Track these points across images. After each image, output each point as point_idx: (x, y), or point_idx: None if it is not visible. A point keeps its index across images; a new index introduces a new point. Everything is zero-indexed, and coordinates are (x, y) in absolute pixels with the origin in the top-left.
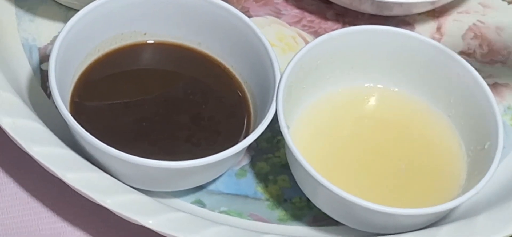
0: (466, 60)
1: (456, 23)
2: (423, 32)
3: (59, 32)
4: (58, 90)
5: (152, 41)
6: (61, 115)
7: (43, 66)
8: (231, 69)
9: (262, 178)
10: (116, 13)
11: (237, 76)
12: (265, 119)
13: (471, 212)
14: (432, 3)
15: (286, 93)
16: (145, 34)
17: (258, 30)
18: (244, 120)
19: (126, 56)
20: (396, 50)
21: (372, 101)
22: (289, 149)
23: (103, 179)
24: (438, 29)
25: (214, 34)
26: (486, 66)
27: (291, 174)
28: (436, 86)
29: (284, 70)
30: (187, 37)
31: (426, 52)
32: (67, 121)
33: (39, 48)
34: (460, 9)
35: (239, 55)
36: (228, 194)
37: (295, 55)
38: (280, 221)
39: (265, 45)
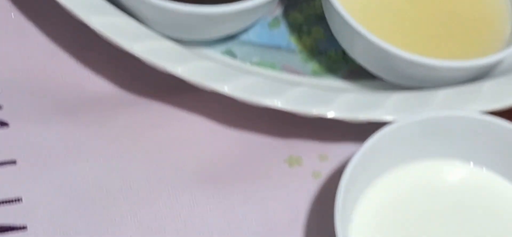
0: None
1: None
2: None
3: None
4: None
5: None
6: None
7: None
8: None
9: (296, 28)
10: None
11: None
12: None
13: None
14: None
15: None
16: None
17: None
18: None
19: None
20: None
21: None
22: None
23: (130, 24)
24: None
25: None
26: None
27: (326, 25)
28: None
29: None
30: None
31: None
32: None
33: None
34: None
35: None
36: (260, 44)
37: None
38: (314, 73)
39: None
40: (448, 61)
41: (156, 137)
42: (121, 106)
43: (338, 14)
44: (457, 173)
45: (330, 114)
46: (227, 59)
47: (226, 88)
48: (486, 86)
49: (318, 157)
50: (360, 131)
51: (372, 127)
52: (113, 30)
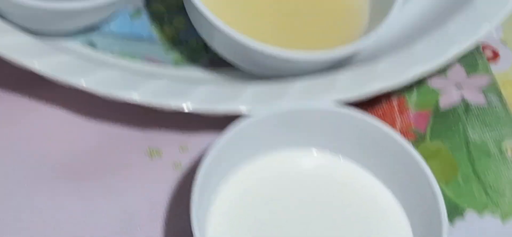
0: None
1: None
2: None
3: None
4: None
5: None
6: None
7: None
8: None
9: (158, 18)
10: None
11: None
12: None
13: (373, 56)
14: None
15: None
16: None
17: None
18: None
19: None
20: None
21: None
22: None
23: None
24: None
25: None
26: None
27: (187, 16)
28: None
29: None
30: None
31: None
32: None
33: None
34: None
35: None
36: (121, 35)
37: None
38: (176, 63)
39: None
40: (302, 53)
41: (13, 132)
42: None
43: (196, 8)
44: (314, 162)
45: (187, 108)
46: (88, 51)
47: (83, 82)
48: (340, 77)
49: (178, 148)
50: (220, 121)
51: (233, 116)
52: None
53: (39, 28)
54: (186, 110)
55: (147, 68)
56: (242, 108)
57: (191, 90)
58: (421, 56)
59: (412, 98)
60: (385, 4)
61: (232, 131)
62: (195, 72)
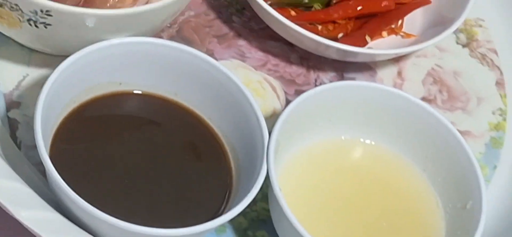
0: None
1: (415, 68)
2: (385, 77)
3: (42, 87)
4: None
5: (128, 91)
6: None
7: (10, 114)
8: (210, 122)
9: (241, 234)
10: (92, 64)
11: (216, 129)
12: (256, 183)
13: None
14: (396, 53)
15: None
16: (120, 84)
17: (241, 84)
18: (226, 175)
19: (100, 107)
20: (373, 103)
21: (350, 155)
22: (281, 208)
23: None
24: (399, 73)
25: (192, 85)
26: (447, 113)
27: (269, 229)
28: (411, 140)
29: (274, 129)
30: (163, 87)
31: (402, 106)
32: (53, 180)
33: (5, 94)
34: (418, 53)
35: (218, 108)
36: None
37: (282, 113)
38: None
39: (250, 101)
40: None
41: None
42: None
43: (291, 225)
44: None
45: None
46: None
47: None
48: None
49: None
50: None
51: None
52: None
53: None
54: None
55: None
56: None
57: None
58: None
59: None
60: (465, 221)
61: None
62: None
